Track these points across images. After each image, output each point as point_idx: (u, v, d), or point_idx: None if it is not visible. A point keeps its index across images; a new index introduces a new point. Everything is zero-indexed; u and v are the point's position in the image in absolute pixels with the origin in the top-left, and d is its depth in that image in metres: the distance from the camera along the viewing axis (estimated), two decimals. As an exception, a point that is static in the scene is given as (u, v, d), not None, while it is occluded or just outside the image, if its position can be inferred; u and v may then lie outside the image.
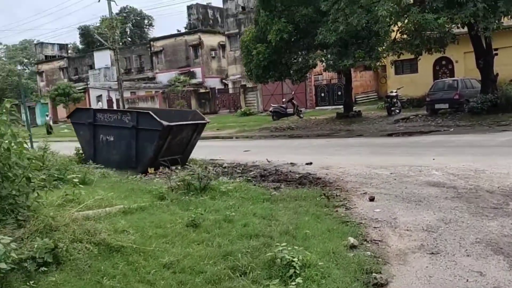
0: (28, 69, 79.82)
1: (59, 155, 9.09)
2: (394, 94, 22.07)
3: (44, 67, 63.16)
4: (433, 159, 9.67)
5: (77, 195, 5.27)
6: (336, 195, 6.91)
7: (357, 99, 30.82)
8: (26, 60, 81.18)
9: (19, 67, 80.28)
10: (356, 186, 7.61)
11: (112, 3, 36.44)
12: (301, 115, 25.70)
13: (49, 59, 63.98)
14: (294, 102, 26.23)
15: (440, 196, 6.48)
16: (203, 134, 21.65)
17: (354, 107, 25.16)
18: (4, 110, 3.95)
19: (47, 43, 67.29)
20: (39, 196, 4.32)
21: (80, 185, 5.35)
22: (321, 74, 31.96)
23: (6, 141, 3.80)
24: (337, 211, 6.00)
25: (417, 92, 24.21)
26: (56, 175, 6.67)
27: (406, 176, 8.12)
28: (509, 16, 15.78)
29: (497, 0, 14.70)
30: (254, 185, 7.98)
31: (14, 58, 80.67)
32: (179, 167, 10.54)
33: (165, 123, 9.69)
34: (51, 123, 36.37)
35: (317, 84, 32.66)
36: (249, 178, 8.82)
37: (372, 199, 6.61)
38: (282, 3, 19.52)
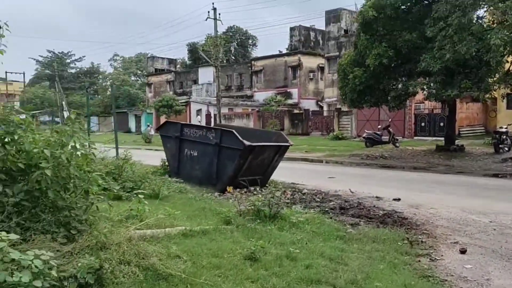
0: (141, 80, 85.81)
1: (142, 165, 9.32)
2: (504, 130, 19.99)
3: (153, 79, 67.52)
4: (545, 210, 8.36)
5: (141, 211, 5.17)
6: (422, 241, 6.12)
7: (461, 132, 28.55)
8: (139, 72, 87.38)
9: (133, 78, 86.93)
10: (447, 233, 6.73)
11: (218, 22, 38.08)
12: (397, 144, 24.34)
13: (158, 72, 68.29)
14: (390, 129, 24.97)
15: (549, 258, 5.44)
16: (291, 155, 21.53)
17: (456, 141, 23.23)
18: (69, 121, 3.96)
19: (158, 57, 71.93)
20: (96, 210, 4.24)
21: (146, 202, 5.24)
22: (423, 103, 30.20)
23: (67, 152, 3.76)
24: (419, 261, 5.26)
25: (532, 130, 21.72)
26: (130, 187, 6.73)
27: (508, 227, 7.04)
28: None
29: None
30: (331, 218, 7.42)
31: (129, 69, 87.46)
32: (258, 188, 10.30)
33: (246, 142, 9.51)
34: (152, 132, 38.48)
35: (417, 112, 30.89)
36: (326, 209, 8.27)
37: (463, 251, 5.74)
38: (384, 27, 18.69)
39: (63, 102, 69.04)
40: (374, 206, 8.91)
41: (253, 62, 52.35)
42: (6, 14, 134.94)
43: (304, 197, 9.72)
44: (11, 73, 74.56)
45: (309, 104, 44.14)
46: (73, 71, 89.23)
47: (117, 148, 10.15)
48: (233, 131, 9.83)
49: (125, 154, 7.73)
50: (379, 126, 27.10)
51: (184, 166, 10.75)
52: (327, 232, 6.02)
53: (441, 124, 28.27)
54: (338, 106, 35.45)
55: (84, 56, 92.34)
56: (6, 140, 3.80)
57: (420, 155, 20.56)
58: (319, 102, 44.56)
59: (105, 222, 4.41)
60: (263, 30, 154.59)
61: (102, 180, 5.79)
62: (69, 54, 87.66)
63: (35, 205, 3.72)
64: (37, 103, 75.18)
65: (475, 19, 16.96)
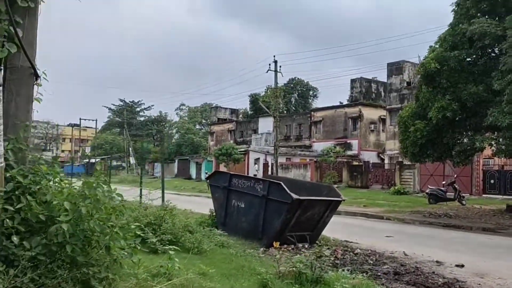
0: (205, 129, 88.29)
1: (187, 214, 9.13)
2: None
3: (216, 128, 69.32)
4: None
5: (171, 269, 4.90)
6: (485, 320, 5.35)
7: (535, 191, 26.33)
8: (204, 121, 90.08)
9: (197, 127, 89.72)
10: (517, 311, 5.87)
11: (278, 74, 38.65)
12: (463, 202, 22.75)
13: (220, 121, 70.14)
14: (456, 186, 23.44)
15: None
16: (348, 209, 20.69)
17: (531, 201, 21.41)
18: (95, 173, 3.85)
19: (221, 107, 74.16)
20: (119, 267, 4.02)
21: (177, 259, 4.97)
22: (492, 158, 28.35)
23: (87, 205, 3.61)
24: None
25: None
26: (168, 240, 6.52)
27: None
28: None
29: None
30: (382, 284, 6.78)
31: (193, 118, 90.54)
32: (307, 245, 9.78)
33: (294, 196, 9.12)
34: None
35: (486, 168, 28.98)
36: (379, 274, 7.60)
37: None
38: (448, 80, 17.91)
39: (130, 148, 72.32)
40: (434, 272, 8.10)
41: (312, 112, 52.45)
42: (87, 66, 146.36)
43: (356, 257, 9.06)
44: (85, 119, 79.63)
45: (370, 156, 43.04)
46: (142, 119, 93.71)
47: (163, 196, 10.10)
48: (281, 183, 9.49)
49: (167, 203, 7.60)
50: (444, 182, 25.57)
51: (231, 218, 10.48)
52: (375, 303, 5.41)
53: (513, 182, 26.28)
54: (400, 159, 34.15)
55: (152, 105, 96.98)
56: (32, 189, 3.73)
57: (488, 215, 19.00)
58: (380, 155, 43.38)
59: (129, 281, 4.18)
60: (324, 82, 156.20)
61: (140, 232, 5.63)
62: (139, 103, 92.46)
63: (52, 260, 3.56)
64: (106, 148, 79.35)
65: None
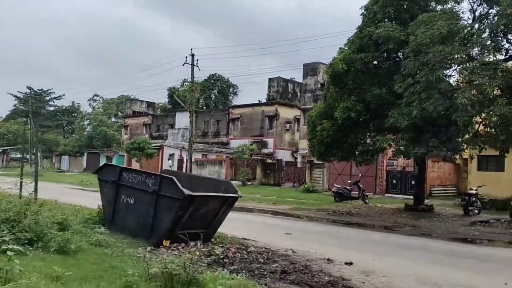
0: (120, 122, 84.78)
1: (75, 209, 8.26)
2: (473, 192, 19.49)
3: (130, 121, 66.73)
4: (505, 284, 7.55)
5: (9, 272, 4.17)
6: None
7: (432, 192, 28.08)
8: (120, 114, 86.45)
9: (113, 119, 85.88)
10: (393, 309, 5.84)
11: (196, 68, 37.78)
12: (366, 201, 23.68)
13: (136, 114, 67.58)
14: (360, 185, 24.34)
15: None
16: (257, 206, 20.60)
17: (427, 200, 22.72)
18: None
19: (137, 100, 71.47)
20: None
21: (17, 260, 4.24)
22: (396, 160, 29.82)
23: None
24: None
25: (502, 193, 21.32)
26: (28, 238, 5.71)
27: (463, 305, 6.19)
28: None
29: None
30: (265, 284, 6.48)
31: (108, 110, 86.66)
32: (199, 244, 9.32)
33: (186, 191, 8.59)
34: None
35: (389, 169, 30.45)
36: (265, 273, 7.31)
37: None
38: (354, 81, 18.42)
39: (34, 139, 67.41)
40: (321, 270, 8.00)
41: (230, 109, 52.23)
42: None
43: (247, 256, 8.74)
44: (-15, 107, 72.88)
45: (284, 155, 43.64)
46: (51, 108, 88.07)
47: (36, 190, 9.09)
48: (173, 178, 8.92)
49: (29, 195, 6.73)
50: (349, 181, 26.46)
51: (119, 215, 9.72)
52: (250, 306, 5.06)
53: (413, 182, 27.74)
54: (311, 158, 34.93)
55: (63, 95, 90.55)
56: None
57: (388, 213, 19.81)
58: (294, 153, 44.18)
59: None
60: (245, 78, 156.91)
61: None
62: (49, 92, 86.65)
63: None
64: (9, 139, 73.27)
65: (444, 77, 16.75)
